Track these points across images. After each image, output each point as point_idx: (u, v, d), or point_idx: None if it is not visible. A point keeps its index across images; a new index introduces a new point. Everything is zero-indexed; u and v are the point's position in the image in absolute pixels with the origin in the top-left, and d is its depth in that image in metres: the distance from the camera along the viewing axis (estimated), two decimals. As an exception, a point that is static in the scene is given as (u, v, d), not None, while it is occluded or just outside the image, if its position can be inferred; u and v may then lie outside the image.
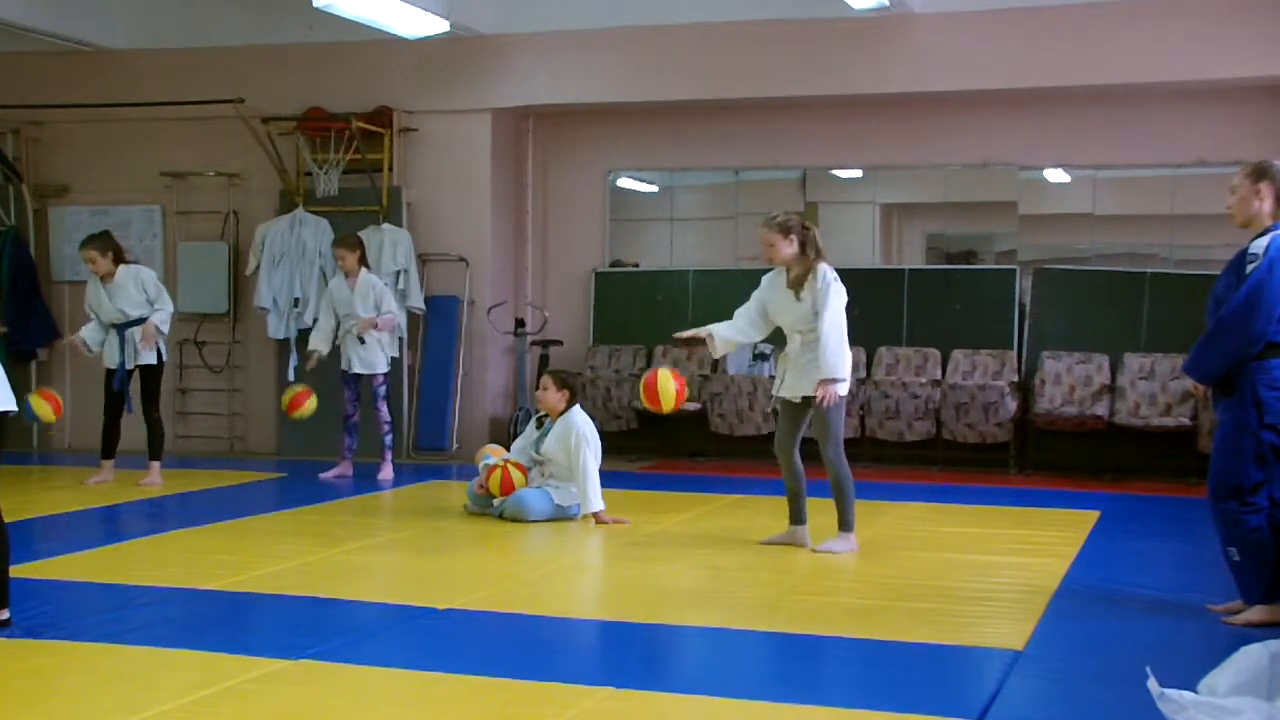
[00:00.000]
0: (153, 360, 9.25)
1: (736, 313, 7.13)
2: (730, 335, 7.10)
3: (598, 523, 7.69)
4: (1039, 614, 5.56)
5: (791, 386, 6.90)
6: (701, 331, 7.06)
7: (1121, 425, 9.86)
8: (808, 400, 6.83)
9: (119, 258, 9.23)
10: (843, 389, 6.81)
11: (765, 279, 7.08)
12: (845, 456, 6.90)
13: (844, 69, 10.42)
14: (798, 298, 6.83)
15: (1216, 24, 9.61)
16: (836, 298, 6.77)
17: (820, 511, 7.06)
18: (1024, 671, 4.71)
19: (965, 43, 10.14)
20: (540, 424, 8.07)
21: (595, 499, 7.74)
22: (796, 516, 7.07)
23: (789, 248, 6.83)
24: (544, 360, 10.99)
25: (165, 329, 9.31)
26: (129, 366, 9.23)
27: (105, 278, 9.19)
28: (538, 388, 8.08)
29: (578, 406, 8.00)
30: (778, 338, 10.76)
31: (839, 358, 6.72)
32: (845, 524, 6.95)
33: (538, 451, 7.96)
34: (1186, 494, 8.93)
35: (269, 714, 4.22)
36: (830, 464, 6.86)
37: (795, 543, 7.02)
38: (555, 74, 11.05)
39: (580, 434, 7.81)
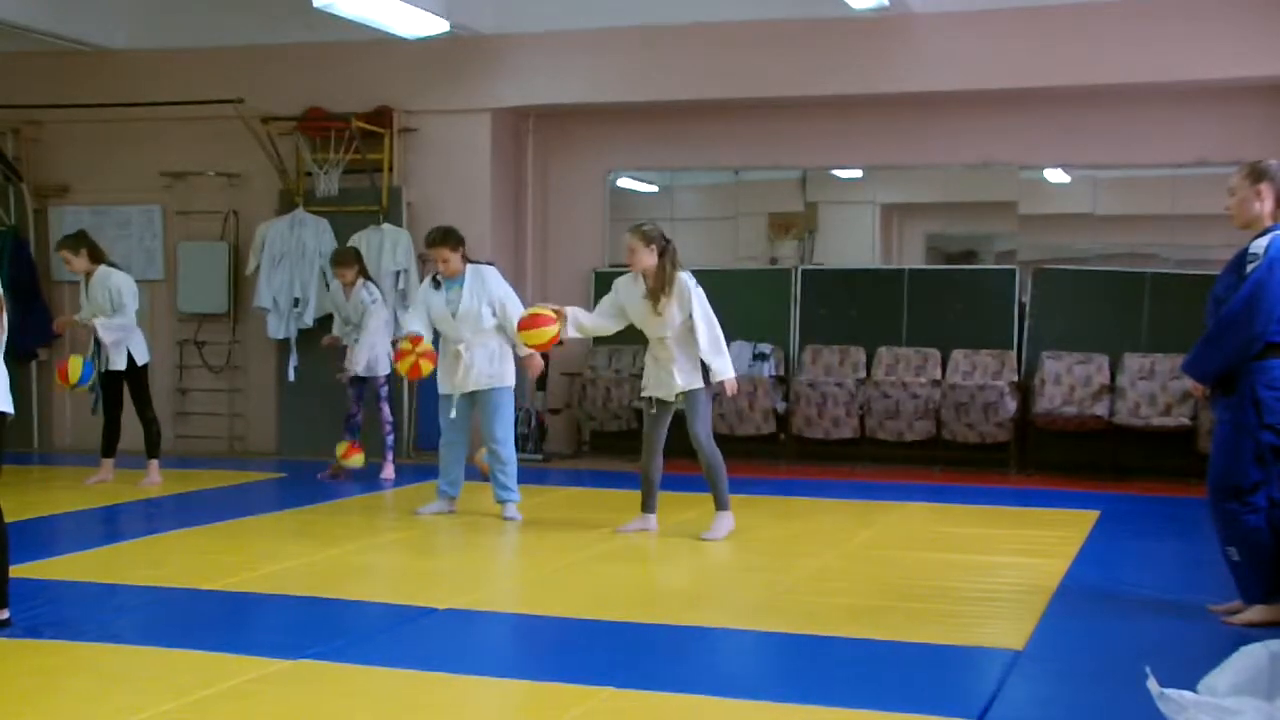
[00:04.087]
0: (122, 366, 9.19)
1: (598, 305, 7.55)
2: (585, 322, 7.40)
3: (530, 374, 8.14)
4: (1039, 614, 5.56)
5: (664, 386, 7.27)
6: (562, 309, 7.33)
7: (1121, 425, 9.86)
8: (679, 397, 7.23)
9: (96, 257, 9.18)
10: (714, 375, 7.23)
11: (620, 282, 7.41)
12: (715, 441, 7.30)
13: (844, 69, 10.41)
14: (656, 310, 7.19)
15: (1216, 24, 9.61)
16: (704, 305, 7.16)
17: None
18: (1024, 671, 4.71)
19: (965, 43, 10.14)
20: (437, 284, 8.01)
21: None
22: (648, 505, 7.48)
23: (650, 257, 7.17)
24: (544, 360, 10.96)
25: (106, 336, 9.05)
26: (106, 370, 9.22)
27: (87, 277, 9.19)
28: (436, 259, 7.99)
29: (479, 264, 8.10)
30: (775, 337, 10.84)
31: (723, 356, 7.21)
32: (721, 503, 7.35)
33: (455, 315, 7.88)
34: (1186, 494, 8.92)
35: (269, 714, 4.23)
36: (701, 448, 7.27)
37: (646, 529, 7.43)
38: (555, 74, 11.05)
39: (501, 284, 7.95)
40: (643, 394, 7.43)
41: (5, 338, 5.33)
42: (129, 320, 9.18)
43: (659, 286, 7.15)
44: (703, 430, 7.25)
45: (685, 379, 7.20)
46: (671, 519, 7.89)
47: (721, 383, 7.23)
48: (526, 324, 7.29)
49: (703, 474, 7.37)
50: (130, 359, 9.20)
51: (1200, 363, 5.48)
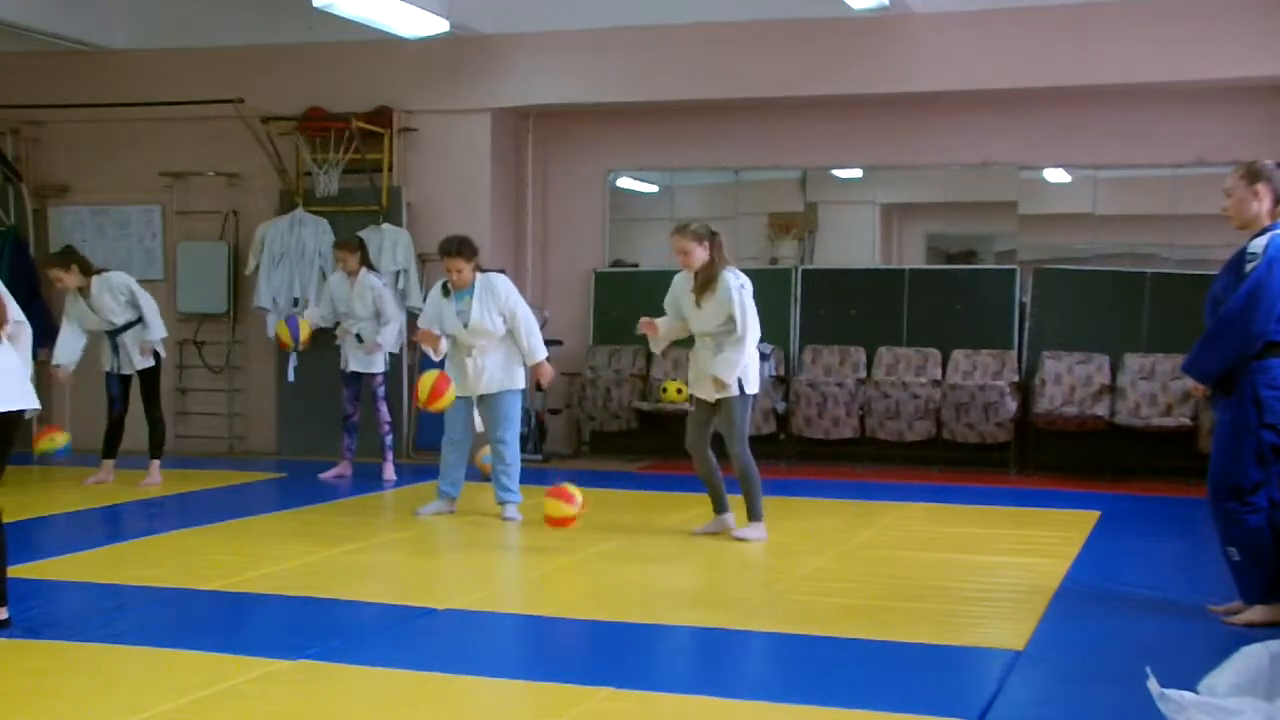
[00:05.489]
0: (150, 362, 9.24)
1: (667, 308, 7.46)
2: (665, 333, 7.44)
3: (542, 383, 7.99)
4: (1039, 614, 5.56)
5: (702, 387, 7.26)
6: (656, 321, 7.41)
7: (1122, 425, 9.86)
8: (719, 400, 7.18)
9: (85, 270, 9.11)
10: (752, 387, 7.20)
11: (676, 280, 7.38)
12: (750, 452, 7.25)
13: (844, 69, 10.41)
14: (698, 304, 7.18)
15: (1216, 24, 9.60)
16: (751, 307, 7.12)
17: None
18: (1024, 671, 4.71)
19: (965, 43, 10.13)
20: (446, 292, 7.94)
21: (541, 348, 8.01)
22: (719, 506, 7.42)
23: (702, 254, 7.15)
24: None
25: (158, 336, 9.20)
26: (125, 373, 9.25)
27: (81, 291, 9.13)
28: (444, 268, 7.91)
29: (489, 273, 8.08)
30: (775, 337, 10.84)
31: (738, 368, 7.08)
32: (754, 514, 7.30)
33: (466, 326, 7.85)
34: (1186, 494, 8.92)
35: (269, 714, 4.22)
36: (736, 459, 7.22)
37: (724, 529, 7.36)
38: (555, 74, 11.05)
39: (512, 294, 7.94)
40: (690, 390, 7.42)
41: (28, 336, 5.37)
42: (155, 308, 9.21)
43: (706, 280, 7.13)
44: (738, 443, 7.19)
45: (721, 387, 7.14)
46: (669, 519, 7.89)
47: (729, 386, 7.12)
48: (552, 493, 7.21)
49: (737, 482, 7.32)
50: (155, 354, 9.24)
51: (1200, 363, 5.48)
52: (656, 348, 7.66)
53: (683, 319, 7.37)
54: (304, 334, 9.59)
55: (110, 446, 9.41)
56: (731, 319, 7.08)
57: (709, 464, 7.35)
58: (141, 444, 9.46)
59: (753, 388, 7.21)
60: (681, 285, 7.32)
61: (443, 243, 7.97)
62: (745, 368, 7.13)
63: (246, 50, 11.45)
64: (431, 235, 11.14)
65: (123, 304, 9.13)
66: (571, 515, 7.18)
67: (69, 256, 9.18)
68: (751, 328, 7.09)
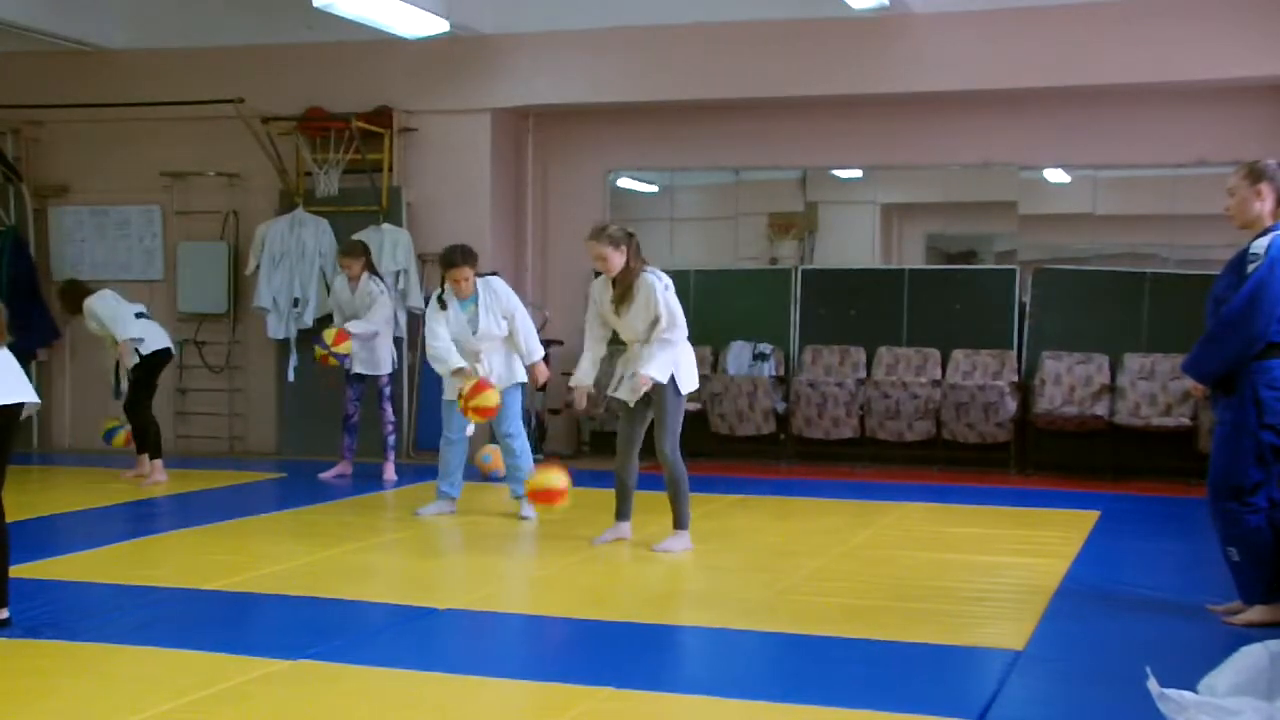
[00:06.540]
0: (135, 359, 9.33)
1: (587, 339, 7.23)
2: (593, 371, 7.22)
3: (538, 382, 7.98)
4: (1039, 614, 5.56)
5: (625, 388, 7.01)
6: (585, 385, 7.17)
7: (1121, 425, 9.86)
8: (647, 400, 6.94)
9: (76, 299, 9.45)
10: (686, 386, 6.95)
11: (595, 286, 7.13)
12: (681, 455, 6.98)
13: (844, 69, 10.41)
14: (621, 311, 6.94)
15: (1216, 24, 9.60)
16: (677, 305, 6.88)
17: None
18: (1024, 671, 4.71)
19: (965, 43, 10.13)
20: (444, 304, 7.91)
21: (538, 348, 8.05)
22: (623, 513, 7.19)
23: (620, 259, 6.88)
24: (544, 360, 10.95)
25: (128, 357, 9.29)
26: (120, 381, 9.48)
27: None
28: (448, 279, 7.87)
29: (485, 276, 8.04)
30: (775, 337, 10.84)
31: (670, 365, 6.84)
32: (680, 522, 7.07)
33: (475, 334, 7.85)
34: (1186, 494, 8.92)
35: (269, 714, 4.23)
36: (666, 461, 6.94)
37: (621, 537, 7.15)
38: (555, 74, 11.05)
39: (511, 295, 8.00)
40: (609, 393, 7.18)
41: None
42: (125, 333, 9.25)
43: (626, 287, 6.89)
44: (669, 442, 6.88)
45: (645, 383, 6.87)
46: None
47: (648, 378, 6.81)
48: (544, 498, 7.18)
49: (665, 486, 7.06)
50: (139, 356, 9.28)
51: (1201, 363, 5.48)
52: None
53: (607, 327, 7.15)
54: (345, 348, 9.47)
55: (141, 442, 9.46)
56: (659, 320, 6.83)
57: (632, 468, 7.11)
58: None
59: (687, 386, 6.95)
60: (601, 291, 7.06)
61: (445, 255, 7.90)
62: (678, 365, 6.90)
63: (246, 50, 11.45)
64: (431, 235, 11.18)
65: (99, 327, 9.36)
66: (560, 490, 7.07)
67: (66, 291, 9.62)
68: (679, 325, 6.86)
